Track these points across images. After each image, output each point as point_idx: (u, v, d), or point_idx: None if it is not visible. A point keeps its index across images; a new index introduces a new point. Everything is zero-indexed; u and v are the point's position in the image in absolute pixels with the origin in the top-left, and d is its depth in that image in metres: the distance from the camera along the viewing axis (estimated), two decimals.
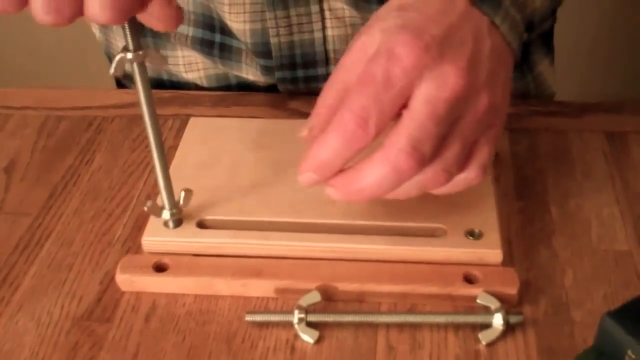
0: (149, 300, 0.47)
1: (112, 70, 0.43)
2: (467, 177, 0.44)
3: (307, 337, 0.44)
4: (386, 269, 0.47)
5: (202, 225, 0.50)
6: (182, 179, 0.52)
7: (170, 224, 0.49)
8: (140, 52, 0.43)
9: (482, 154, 0.44)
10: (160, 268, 0.48)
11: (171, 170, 0.53)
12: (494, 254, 0.47)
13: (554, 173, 0.55)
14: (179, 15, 0.39)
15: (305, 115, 0.62)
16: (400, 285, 0.46)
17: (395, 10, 0.44)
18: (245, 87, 0.67)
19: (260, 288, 0.47)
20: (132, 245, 0.51)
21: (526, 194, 0.54)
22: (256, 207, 0.50)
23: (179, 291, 0.47)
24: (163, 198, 0.48)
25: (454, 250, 0.47)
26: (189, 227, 0.49)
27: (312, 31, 0.61)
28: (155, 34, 0.66)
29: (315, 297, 0.45)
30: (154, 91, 0.65)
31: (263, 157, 0.55)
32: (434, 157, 0.42)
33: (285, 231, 0.49)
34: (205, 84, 0.68)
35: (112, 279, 0.48)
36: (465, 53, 0.42)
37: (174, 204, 0.49)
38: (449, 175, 0.43)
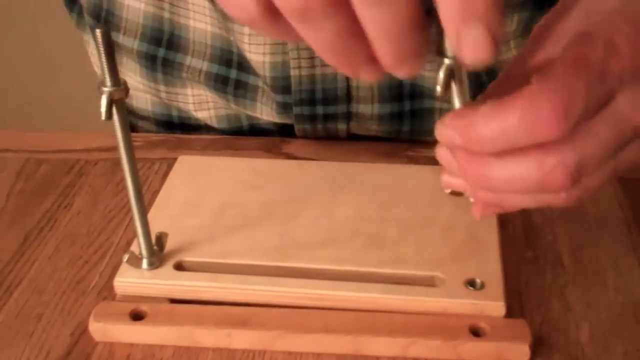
0: (123, 355, 0.43)
1: (103, 117, 0.40)
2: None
3: None
4: (383, 320, 0.43)
5: (180, 267, 0.46)
6: (163, 217, 0.49)
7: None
8: (120, 88, 0.40)
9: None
10: (137, 316, 0.44)
11: (154, 207, 0.50)
12: (497, 306, 0.43)
13: (565, 221, 0.52)
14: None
15: (300, 159, 0.59)
16: (400, 337, 0.42)
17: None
18: (257, 129, 0.64)
19: (246, 339, 0.43)
20: (108, 294, 0.47)
21: (536, 243, 0.50)
22: (241, 249, 0.47)
23: (157, 342, 0.43)
24: (140, 245, 0.45)
25: (452, 301, 0.43)
26: (166, 269, 0.46)
27: None
28: (165, 69, 0.62)
29: None
30: (143, 135, 0.64)
31: (252, 197, 0.51)
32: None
33: (271, 276, 0.45)
34: (215, 124, 0.65)
35: (84, 330, 0.44)
36: None
37: (151, 252, 0.46)
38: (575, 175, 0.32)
